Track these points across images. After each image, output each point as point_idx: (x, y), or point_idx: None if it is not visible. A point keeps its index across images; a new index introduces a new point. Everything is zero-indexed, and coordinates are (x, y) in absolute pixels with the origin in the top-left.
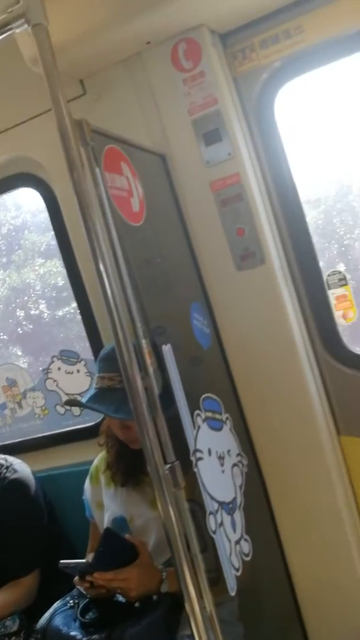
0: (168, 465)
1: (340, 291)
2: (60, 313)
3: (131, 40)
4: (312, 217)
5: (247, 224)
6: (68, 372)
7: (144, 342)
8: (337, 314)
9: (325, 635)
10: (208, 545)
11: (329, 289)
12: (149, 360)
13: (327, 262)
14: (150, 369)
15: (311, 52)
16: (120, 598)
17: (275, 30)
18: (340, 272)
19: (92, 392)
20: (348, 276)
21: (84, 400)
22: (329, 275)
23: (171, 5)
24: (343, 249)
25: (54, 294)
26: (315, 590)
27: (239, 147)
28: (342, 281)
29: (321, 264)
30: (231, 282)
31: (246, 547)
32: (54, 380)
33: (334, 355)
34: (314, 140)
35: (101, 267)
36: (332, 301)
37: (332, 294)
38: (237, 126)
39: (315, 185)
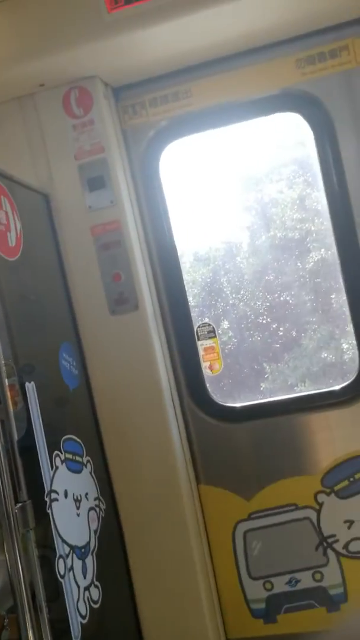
0: (19, 504)
1: (208, 343)
2: None
3: (25, 80)
4: (201, 274)
5: (124, 270)
6: None
7: (6, 380)
8: (204, 365)
9: None
10: (60, 594)
11: (199, 340)
12: (9, 397)
13: (213, 318)
14: (11, 408)
15: (197, 116)
16: None
17: (165, 91)
18: (209, 325)
19: None
20: (227, 328)
21: None
22: (199, 327)
23: (66, 53)
24: (228, 307)
25: None
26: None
27: (121, 196)
28: (211, 333)
29: (206, 319)
30: (104, 325)
31: (96, 593)
32: None
33: (199, 405)
34: (206, 200)
35: None
36: (201, 352)
37: (201, 345)
38: (122, 176)
39: (205, 243)
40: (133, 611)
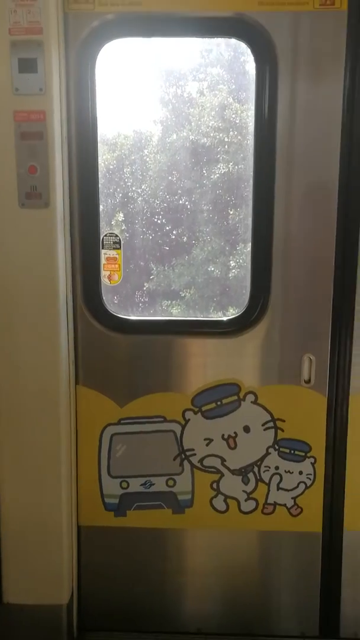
0: None
1: (112, 253)
2: None
3: None
4: (105, 159)
5: (41, 164)
6: None
7: None
8: (104, 274)
9: (19, 564)
10: None
11: (103, 248)
12: None
13: (108, 208)
14: None
15: (145, 19)
16: None
17: None
18: (116, 236)
19: None
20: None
21: None
22: (105, 236)
23: None
24: (126, 199)
25: None
26: (19, 521)
27: (52, 86)
28: (117, 245)
29: (101, 207)
30: (10, 217)
31: None
32: None
33: (91, 311)
34: (126, 87)
35: None
36: (103, 261)
37: (104, 254)
38: (56, 64)
39: (116, 128)
40: None
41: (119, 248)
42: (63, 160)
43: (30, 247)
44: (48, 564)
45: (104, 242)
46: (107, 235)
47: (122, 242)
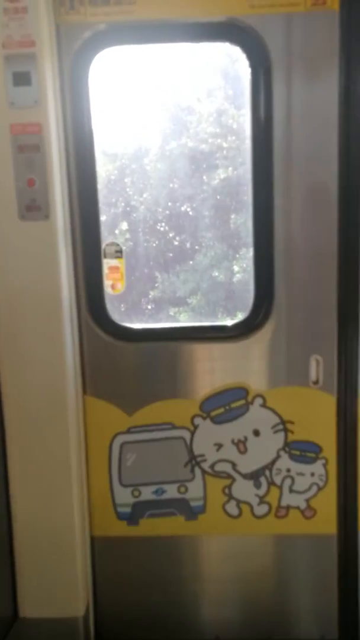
0: None
1: (114, 262)
2: None
3: None
4: (106, 170)
5: (39, 177)
6: None
7: None
8: (107, 283)
9: (34, 577)
10: None
11: (105, 257)
12: None
13: (111, 217)
14: None
15: (137, 27)
16: None
17: None
18: (117, 245)
19: None
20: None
21: None
22: (106, 245)
23: None
24: (129, 208)
25: None
26: (32, 534)
27: (46, 98)
28: (118, 253)
29: (104, 217)
30: (11, 230)
31: None
32: None
33: (95, 321)
34: (125, 98)
35: None
36: (105, 270)
37: (107, 264)
38: (50, 76)
39: (115, 138)
40: (6, 507)
41: (121, 257)
42: (61, 171)
43: (32, 259)
44: (63, 576)
45: (106, 252)
46: (109, 244)
47: (124, 251)
